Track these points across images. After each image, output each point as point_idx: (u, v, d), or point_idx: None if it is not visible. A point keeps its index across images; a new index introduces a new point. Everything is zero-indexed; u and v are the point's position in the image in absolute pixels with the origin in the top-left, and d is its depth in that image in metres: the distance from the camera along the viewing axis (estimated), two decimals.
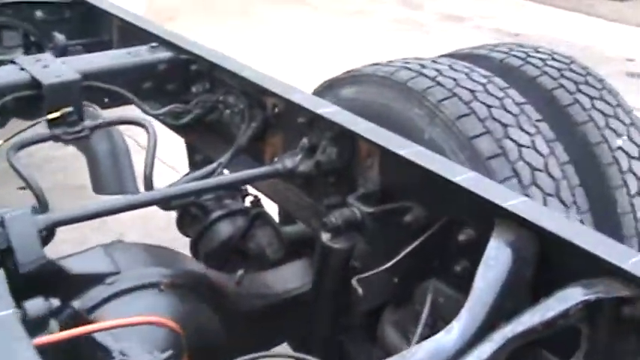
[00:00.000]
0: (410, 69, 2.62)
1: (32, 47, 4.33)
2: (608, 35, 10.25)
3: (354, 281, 1.87)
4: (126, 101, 2.92)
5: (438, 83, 2.52)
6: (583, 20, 11.02)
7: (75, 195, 5.08)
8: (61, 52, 3.95)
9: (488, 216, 1.78)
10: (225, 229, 2.77)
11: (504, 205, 1.76)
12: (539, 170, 2.38)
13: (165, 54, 3.02)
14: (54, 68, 2.83)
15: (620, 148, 2.71)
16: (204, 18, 10.20)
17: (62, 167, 5.54)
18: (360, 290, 1.87)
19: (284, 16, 10.51)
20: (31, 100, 2.75)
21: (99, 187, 3.01)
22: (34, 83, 2.74)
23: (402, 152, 2.03)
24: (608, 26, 10.76)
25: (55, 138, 2.65)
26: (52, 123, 2.66)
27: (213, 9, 10.80)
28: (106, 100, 2.92)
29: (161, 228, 4.32)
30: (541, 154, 2.42)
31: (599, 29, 10.56)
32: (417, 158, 1.99)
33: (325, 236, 2.08)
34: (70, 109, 2.67)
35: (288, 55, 8.59)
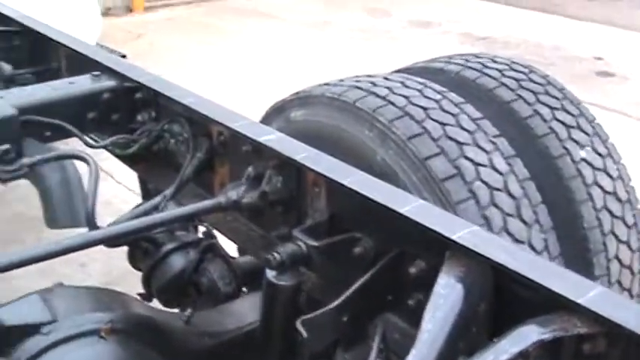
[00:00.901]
0: (360, 88, 2.52)
1: None
2: (577, 34, 10.22)
3: (298, 323, 1.75)
4: (67, 133, 2.80)
5: (389, 102, 2.42)
6: (551, 20, 11.00)
7: (36, 226, 4.96)
8: (8, 81, 3.83)
9: (439, 248, 1.67)
10: (177, 263, 2.65)
11: (453, 237, 1.65)
12: (498, 190, 2.28)
13: (108, 83, 2.90)
14: None
15: (583, 159, 2.62)
16: (172, 34, 10.14)
17: (23, 196, 5.41)
18: (304, 333, 1.75)
19: (251, 29, 10.45)
20: None
21: (51, 221, 2.90)
22: None
23: (346, 181, 1.91)
24: (577, 25, 10.73)
25: None
26: None
27: (180, 24, 10.73)
28: (48, 133, 2.79)
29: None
30: (499, 173, 2.32)
31: (568, 29, 10.52)
32: (362, 188, 1.88)
33: (270, 273, 1.96)
34: (6, 146, 2.54)
35: (255, 68, 8.51)
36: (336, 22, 10.82)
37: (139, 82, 2.84)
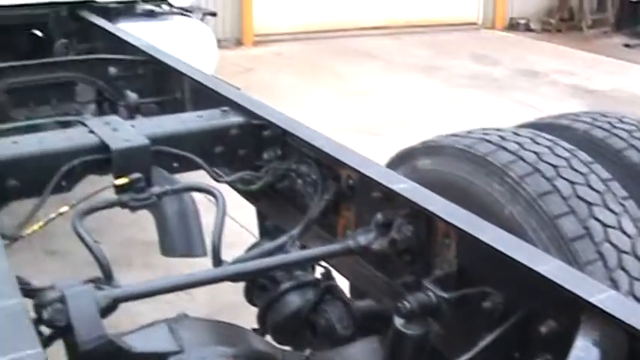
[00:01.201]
0: (490, 141, 2.52)
1: (104, 103, 4.34)
2: None
3: None
4: (194, 166, 2.86)
5: (520, 157, 2.42)
6: None
7: (144, 251, 5.05)
8: (133, 110, 3.93)
9: (574, 310, 1.67)
10: (294, 302, 2.68)
11: (591, 299, 1.64)
12: (626, 253, 2.25)
13: (236, 119, 2.96)
14: (123, 132, 2.78)
15: None
16: (280, 70, 10.26)
17: (133, 221, 5.51)
18: None
19: (356, 70, 10.51)
20: (99, 164, 2.70)
21: (167, 250, 2.95)
22: (103, 147, 2.69)
23: (481, 236, 1.92)
24: None
25: (122, 204, 2.58)
26: (119, 189, 2.60)
27: (287, 62, 10.85)
28: (176, 164, 2.85)
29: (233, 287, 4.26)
30: (628, 235, 2.29)
31: None
32: (497, 243, 1.88)
33: (399, 321, 1.98)
34: (138, 175, 2.60)
35: (363, 110, 8.55)
36: (443, 68, 10.82)
37: (267, 120, 2.89)
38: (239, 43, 11.77)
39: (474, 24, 14.54)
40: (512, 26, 14.38)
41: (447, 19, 14.17)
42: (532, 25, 14.29)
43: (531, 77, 10.55)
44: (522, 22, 14.34)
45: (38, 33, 5.64)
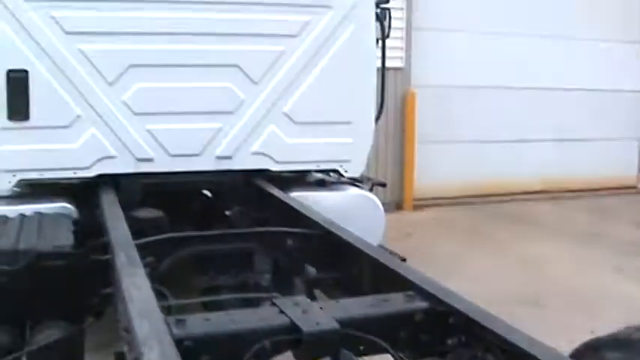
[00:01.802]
0: None
1: (281, 274, 4.44)
2: None
3: None
4: (380, 349, 2.91)
5: None
6: None
7: None
8: (311, 284, 4.03)
9: None
10: None
11: None
12: None
13: (421, 304, 3.01)
14: (313, 314, 2.86)
15: None
16: (440, 235, 10.32)
17: None
18: None
19: (516, 237, 10.45)
20: (289, 344, 2.78)
21: None
22: (294, 328, 2.77)
23: None
24: None
25: None
26: None
27: (446, 227, 10.92)
28: (362, 347, 2.91)
29: None
30: None
31: None
32: None
33: None
34: (327, 358, 2.67)
35: (522, 279, 8.45)
36: (606, 235, 10.63)
37: (453, 307, 2.92)
38: (399, 207, 11.95)
39: (634, 187, 14.39)
40: None
41: (606, 183, 14.07)
42: None
43: None
44: None
45: (208, 193, 5.87)
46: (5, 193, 4.99)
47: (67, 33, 4.89)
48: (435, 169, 12.50)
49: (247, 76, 5.29)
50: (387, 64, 6.55)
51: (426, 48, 12.38)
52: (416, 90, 12.22)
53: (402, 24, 11.82)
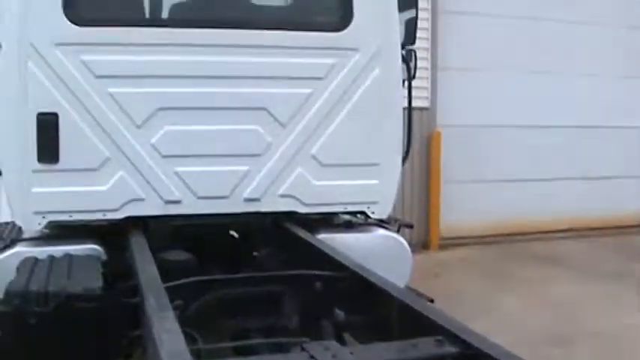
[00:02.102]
0: None
1: (309, 317, 4.43)
2: None
3: None
4: None
5: None
6: None
7: None
8: (340, 327, 4.02)
9: None
10: None
11: None
12: None
13: (450, 349, 3.00)
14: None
15: None
16: (467, 275, 10.31)
17: None
18: None
19: (542, 276, 10.41)
20: None
21: None
22: None
23: None
24: None
25: None
26: None
27: (472, 267, 10.89)
28: None
29: None
30: None
31: None
32: None
33: None
34: None
35: (549, 319, 8.40)
36: (634, 274, 10.55)
37: (482, 352, 2.91)
38: (425, 246, 11.95)
39: None
40: None
41: (631, 220, 14.00)
42: None
43: None
44: None
45: (234, 234, 5.87)
46: (35, 235, 5.02)
47: (97, 77, 4.94)
48: (460, 208, 12.48)
49: (275, 118, 5.31)
50: (413, 104, 6.56)
51: (451, 87, 12.42)
52: (441, 129, 12.25)
53: (427, 64, 11.88)
